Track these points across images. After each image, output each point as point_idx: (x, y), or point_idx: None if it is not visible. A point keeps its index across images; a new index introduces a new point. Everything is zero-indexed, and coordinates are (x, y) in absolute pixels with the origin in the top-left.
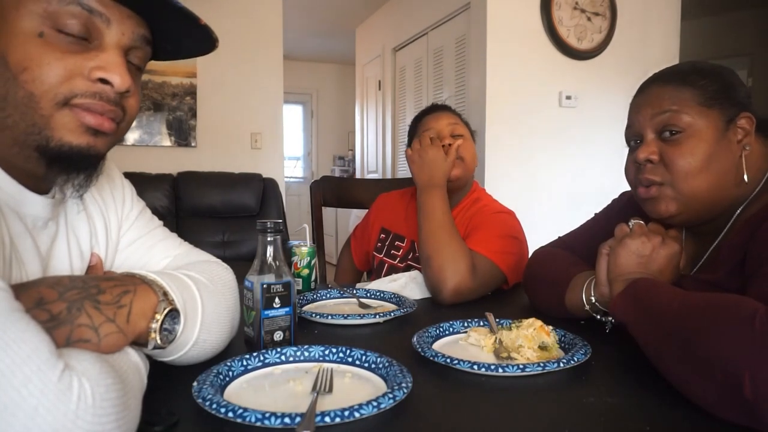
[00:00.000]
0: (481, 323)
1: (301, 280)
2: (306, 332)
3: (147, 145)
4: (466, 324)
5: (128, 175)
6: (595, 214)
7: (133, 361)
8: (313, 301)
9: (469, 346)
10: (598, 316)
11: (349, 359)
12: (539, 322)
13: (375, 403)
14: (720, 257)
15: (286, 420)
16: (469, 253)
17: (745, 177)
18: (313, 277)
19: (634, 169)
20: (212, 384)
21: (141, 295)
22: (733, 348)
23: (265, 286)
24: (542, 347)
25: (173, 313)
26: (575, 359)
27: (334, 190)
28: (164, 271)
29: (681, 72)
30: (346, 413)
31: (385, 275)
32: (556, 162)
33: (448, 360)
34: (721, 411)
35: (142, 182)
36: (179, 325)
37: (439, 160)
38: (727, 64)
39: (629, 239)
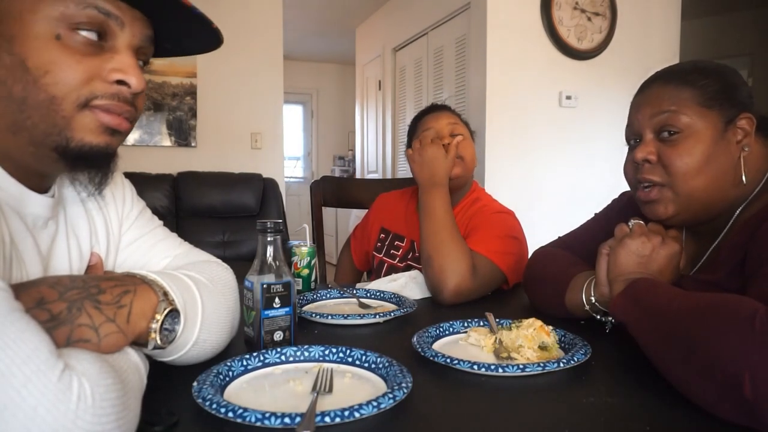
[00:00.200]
0: (481, 323)
1: (301, 280)
2: (306, 332)
3: (147, 145)
4: (466, 324)
5: (128, 175)
6: (595, 214)
7: (133, 361)
8: (313, 301)
9: (469, 346)
10: (598, 316)
11: (349, 359)
12: (539, 322)
13: (375, 403)
14: (720, 257)
15: (286, 420)
16: (469, 253)
17: (743, 178)
18: (313, 277)
19: (632, 168)
20: (212, 384)
21: (141, 295)
22: (733, 348)
23: (265, 286)
24: (542, 347)
25: (173, 314)
26: (575, 359)
27: (334, 190)
28: (164, 271)
29: (682, 71)
30: (346, 413)
31: (385, 275)
32: (556, 162)
33: (448, 360)
34: (721, 411)
35: (142, 182)
36: (179, 325)
37: (439, 158)
38: (727, 64)
39: (629, 239)
